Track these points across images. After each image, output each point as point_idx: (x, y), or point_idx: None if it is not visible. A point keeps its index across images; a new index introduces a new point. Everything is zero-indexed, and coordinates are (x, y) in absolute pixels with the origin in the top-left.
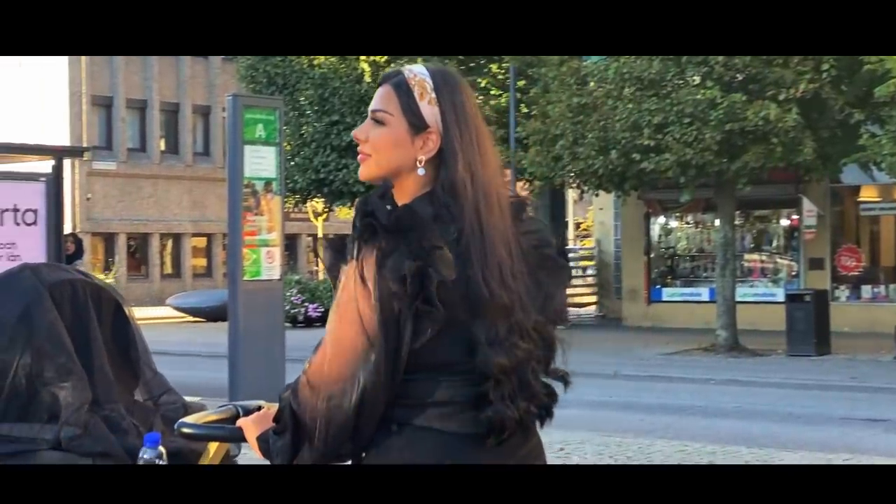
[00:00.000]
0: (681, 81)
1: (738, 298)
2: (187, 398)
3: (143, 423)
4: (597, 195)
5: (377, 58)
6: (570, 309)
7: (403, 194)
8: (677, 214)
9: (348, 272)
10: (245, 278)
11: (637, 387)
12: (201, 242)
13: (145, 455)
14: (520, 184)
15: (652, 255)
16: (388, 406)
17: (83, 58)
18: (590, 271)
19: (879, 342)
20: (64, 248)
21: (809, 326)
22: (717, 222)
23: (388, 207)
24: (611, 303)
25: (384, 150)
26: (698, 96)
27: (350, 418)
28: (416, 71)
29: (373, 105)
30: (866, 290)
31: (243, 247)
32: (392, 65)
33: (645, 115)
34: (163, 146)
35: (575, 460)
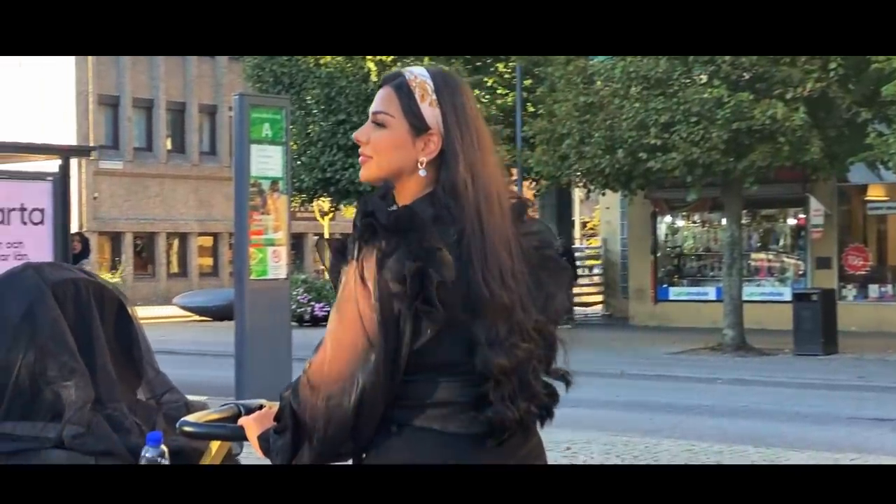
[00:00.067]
0: (687, 80)
1: (745, 297)
2: (190, 397)
3: (146, 421)
4: (603, 194)
5: (383, 57)
6: (577, 308)
7: (404, 195)
8: (684, 213)
9: (349, 272)
10: (251, 277)
11: (644, 386)
12: (208, 241)
13: (147, 454)
14: (526, 183)
15: (658, 255)
16: (388, 407)
17: (90, 57)
18: (596, 270)
19: (887, 341)
20: (70, 248)
21: (816, 326)
22: (724, 221)
23: (389, 208)
24: (617, 302)
25: (385, 151)
26: (705, 95)
27: (349, 418)
28: (417, 73)
29: (374, 107)
30: (873, 290)
31: (250, 246)
32: (398, 64)
33: (651, 114)
34: (169, 145)
35: (581, 460)
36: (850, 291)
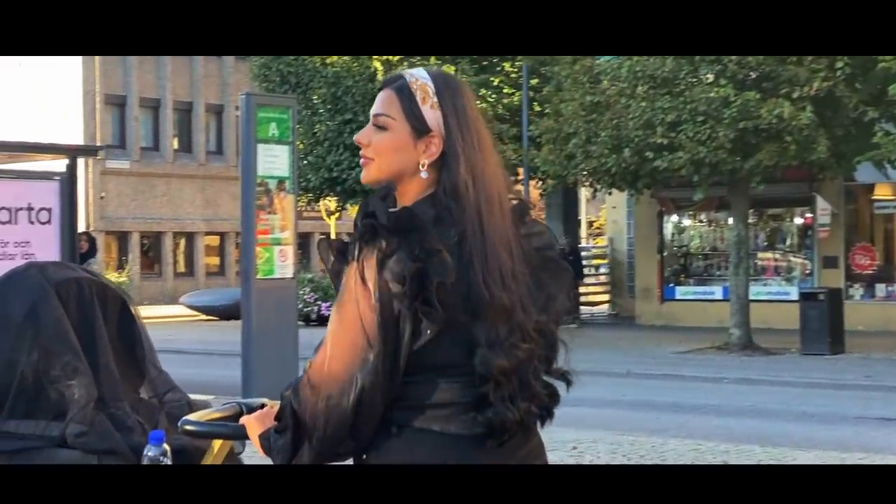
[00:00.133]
0: (694, 79)
1: (751, 297)
2: (193, 396)
3: (149, 420)
4: (610, 193)
5: (390, 57)
6: (583, 307)
7: (405, 197)
8: (690, 213)
9: (349, 273)
10: (258, 277)
11: (650, 385)
12: (214, 241)
13: (150, 452)
14: (532, 182)
15: (665, 254)
16: (388, 408)
17: (97, 57)
18: (602, 270)
19: (894, 341)
20: (77, 247)
21: (823, 325)
22: (731, 221)
23: (390, 209)
24: (624, 301)
25: (386, 154)
26: (712, 94)
27: (348, 417)
28: (418, 75)
29: (375, 109)
30: (880, 289)
31: (256, 245)
32: (405, 64)
33: (658, 113)
34: (176, 145)
35: (587, 459)
36: (857, 291)
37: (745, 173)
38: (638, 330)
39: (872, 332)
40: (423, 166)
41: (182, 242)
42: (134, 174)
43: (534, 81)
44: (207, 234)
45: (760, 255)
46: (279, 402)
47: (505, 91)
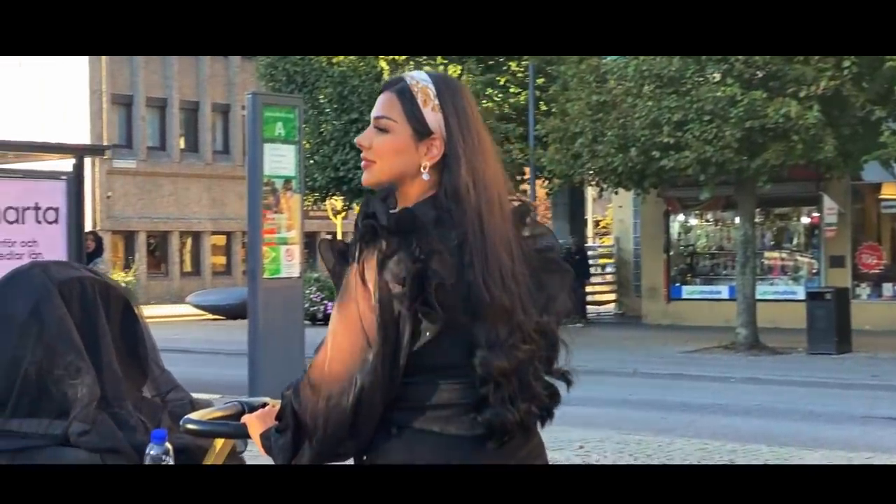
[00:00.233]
0: (701, 79)
1: (758, 296)
2: (196, 395)
3: (151, 419)
4: (616, 193)
5: (396, 56)
6: (590, 307)
7: (407, 198)
8: (697, 212)
9: (350, 274)
10: (265, 276)
11: (657, 385)
12: (221, 240)
13: (152, 451)
14: (539, 181)
15: (671, 253)
16: (388, 409)
17: (103, 57)
18: (609, 269)
19: None
20: (84, 246)
21: (830, 324)
22: (738, 220)
23: (390, 210)
24: (630, 301)
25: (388, 156)
26: (718, 93)
27: (348, 417)
28: (419, 78)
29: (376, 112)
30: (887, 288)
31: (263, 245)
32: (411, 63)
33: (665, 112)
34: (182, 144)
35: (594, 458)
36: (864, 290)
37: (751, 172)
38: (644, 329)
39: (879, 332)
40: (424, 168)
41: (188, 242)
42: (140, 174)
43: (540, 81)
44: (214, 233)
45: (767, 254)
46: (280, 401)
47: (511, 90)
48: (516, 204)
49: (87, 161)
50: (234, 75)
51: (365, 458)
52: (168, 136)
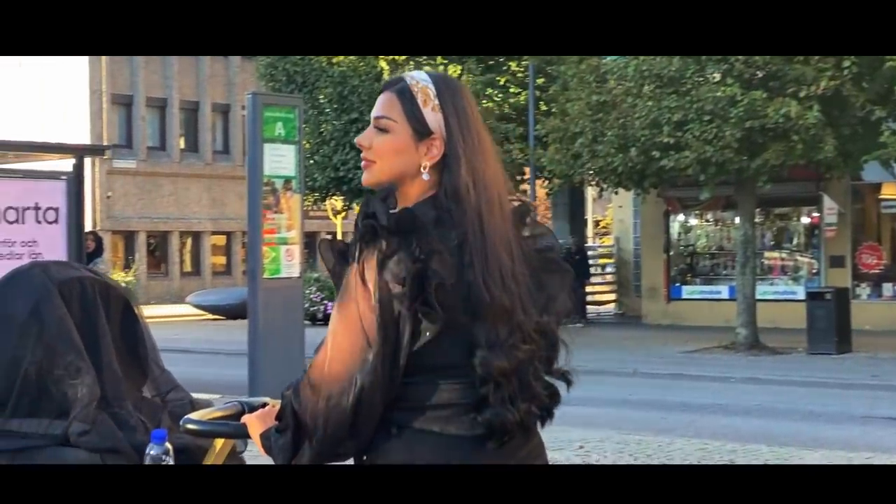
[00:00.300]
0: (701, 79)
1: (758, 296)
2: (196, 395)
3: (151, 419)
4: (616, 193)
5: (396, 56)
6: (590, 306)
7: (407, 198)
8: (697, 212)
9: (350, 274)
10: (265, 276)
11: (657, 385)
12: (221, 240)
13: (152, 451)
14: (539, 181)
15: (671, 253)
16: (388, 409)
17: (103, 57)
18: (609, 269)
19: None
20: (84, 246)
21: (830, 324)
22: (738, 220)
23: (390, 210)
24: (630, 301)
25: (388, 156)
26: (718, 93)
27: (348, 417)
28: (419, 78)
29: (376, 112)
30: (887, 288)
31: (263, 245)
32: (411, 63)
33: (665, 112)
34: (182, 144)
35: (594, 458)
36: (864, 290)
37: (751, 172)
38: (644, 329)
39: (879, 332)
40: (424, 168)
41: (188, 242)
42: (140, 174)
43: (540, 81)
44: (214, 233)
45: (767, 254)
46: (280, 401)
47: (511, 90)
48: (516, 204)
49: (87, 161)
50: (234, 75)
51: (365, 458)
52: (168, 136)
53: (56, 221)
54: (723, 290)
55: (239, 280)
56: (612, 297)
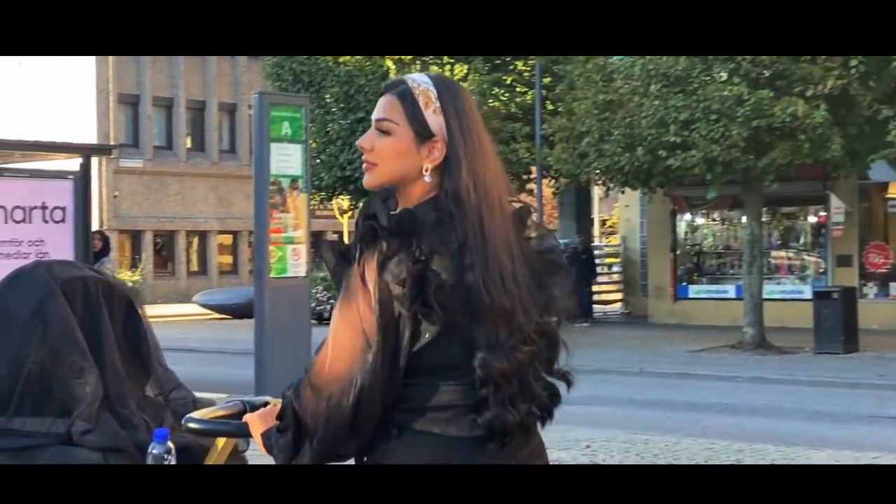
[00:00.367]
0: (707, 78)
1: (765, 296)
2: (202, 394)
3: (154, 418)
4: (623, 192)
5: (402, 56)
6: (596, 306)
7: (408, 200)
8: (704, 211)
9: (350, 275)
10: (271, 275)
11: (663, 384)
12: (227, 240)
13: (154, 450)
14: (545, 181)
15: (678, 253)
16: (388, 410)
17: (110, 57)
18: (615, 269)
19: None
20: (91, 246)
21: (837, 324)
22: (744, 219)
23: (391, 211)
24: (637, 300)
25: (390, 159)
26: (725, 93)
27: (348, 417)
28: (420, 80)
29: (377, 114)
30: (894, 287)
31: (269, 244)
32: (417, 62)
33: (671, 111)
34: (189, 144)
35: (601, 458)
36: (871, 289)
37: (758, 172)
38: (651, 329)
39: (886, 331)
40: (426, 171)
41: (195, 241)
42: (147, 173)
43: (546, 80)
44: (220, 232)
45: (774, 253)
46: (281, 400)
47: (518, 90)
48: (517, 206)
49: (94, 160)
50: (240, 75)
51: (366, 459)
52: (174, 136)
53: (63, 221)
54: (729, 290)
55: (245, 279)
56: (619, 296)
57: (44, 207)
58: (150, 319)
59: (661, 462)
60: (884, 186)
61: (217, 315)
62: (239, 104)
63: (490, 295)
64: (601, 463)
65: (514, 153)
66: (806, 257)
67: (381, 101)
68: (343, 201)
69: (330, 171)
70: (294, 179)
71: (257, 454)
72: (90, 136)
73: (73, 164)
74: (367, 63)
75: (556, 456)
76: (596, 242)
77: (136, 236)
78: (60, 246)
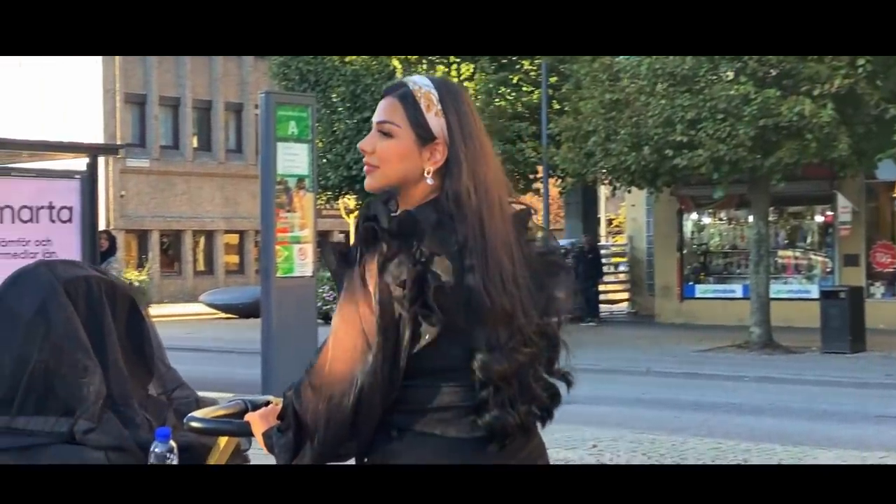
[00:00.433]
0: (714, 77)
1: (772, 295)
2: (207, 393)
3: (157, 417)
4: (629, 191)
5: (409, 55)
6: (603, 305)
7: (408, 202)
8: (710, 211)
9: (351, 276)
10: (278, 275)
11: (670, 384)
12: (234, 239)
13: (156, 449)
14: (552, 180)
15: (685, 252)
16: (388, 412)
17: (117, 57)
18: (622, 268)
19: None
20: (98, 245)
21: (844, 323)
22: (751, 218)
23: (392, 213)
24: (643, 299)
25: (392, 161)
26: (732, 92)
27: (348, 418)
28: (421, 83)
29: (378, 117)
30: None
31: (276, 244)
32: (424, 62)
33: (678, 110)
34: (195, 143)
35: (607, 457)
36: (878, 289)
37: (765, 171)
38: (657, 328)
39: (894, 331)
40: (428, 173)
41: (202, 241)
42: (154, 173)
43: (553, 79)
44: (227, 232)
45: (781, 253)
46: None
47: (524, 89)
48: (517, 208)
49: (101, 160)
50: (246, 74)
51: (366, 460)
52: (181, 135)
53: (70, 220)
54: (736, 289)
55: (252, 279)
56: (625, 295)
57: (51, 207)
58: (157, 319)
59: (668, 462)
60: (891, 186)
61: (223, 315)
62: (245, 104)
63: (490, 297)
64: (608, 462)
65: (521, 152)
66: (813, 257)
67: (383, 104)
68: (349, 201)
69: (336, 170)
70: (300, 179)
71: (260, 453)
72: (97, 136)
73: (80, 163)
74: (374, 63)
75: (562, 455)
76: (602, 242)
77: (142, 236)
78: (67, 245)
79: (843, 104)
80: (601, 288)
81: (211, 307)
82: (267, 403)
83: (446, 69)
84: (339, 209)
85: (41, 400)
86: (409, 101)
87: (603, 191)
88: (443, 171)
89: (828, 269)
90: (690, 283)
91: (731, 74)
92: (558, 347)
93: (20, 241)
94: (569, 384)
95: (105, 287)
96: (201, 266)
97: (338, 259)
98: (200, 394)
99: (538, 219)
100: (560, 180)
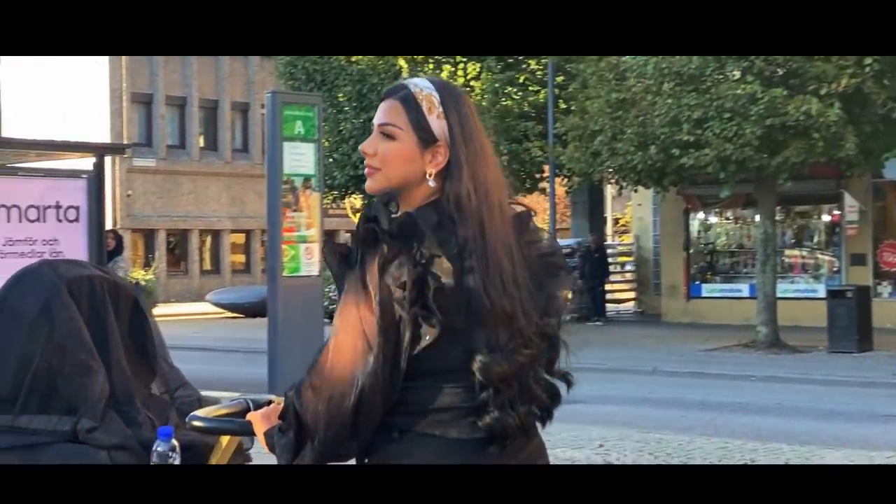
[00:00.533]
0: (721, 76)
1: (778, 294)
2: (212, 393)
3: (159, 416)
4: (636, 191)
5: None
6: (609, 305)
7: (409, 203)
8: (717, 210)
9: (351, 277)
10: (284, 274)
11: (677, 383)
12: (240, 239)
13: (158, 448)
14: (558, 180)
15: (691, 251)
16: (389, 413)
17: (123, 56)
18: (629, 267)
19: None
20: (105, 245)
21: (851, 323)
22: (758, 218)
23: (392, 215)
24: (650, 299)
25: (394, 163)
26: (738, 91)
27: (348, 418)
28: (422, 85)
29: (380, 119)
30: None
31: (282, 243)
32: (430, 62)
33: (684, 110)
34: (202, 143)
35: (614, 457)
36: (885, 288)
37: (772, 170)
38: (664, 327)
39: None
40: (430, 176)
41: (208, 240)
42: (160, 172)
43: (559, 79)
44: (233, 231)
45: (787, 252)
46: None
47: (530, 88)
48: (517, 210)
49: (108, 160)
50: (253, 74)
51: (367, 460)
52: (187, 135)
53: (77, 220)
54: (743, 289)
55: (258, 278)
56: (632, 295)
57: (58, 206)
58: (163, 318)
59: (675, 461)
60: None
61: (230, 314)
62: (252, 103)
63: (490, 298)
64: (614, 462)
65: (527, 152)
66: (820, 256)
67: (384, 106)
68: (356, 200)
69: (343, 169)
70: (307, 178)
71: (262, 453)
72: (103, 136)
73: (87, 163)
74: (380, 62)
75: (568, 455)
76: (609, 241)
77: (149, 235)
78: (74, 245)
79: (850, 103)
80: (607, 287)
81: (217, 306)
82: (269, 403)
83: (453, 69)
84: (345, 208)
85: (44, 399)
86: (410, 104)
87: (609, 190)
88: (443, 173)
89: (835, 269)
90: (697, 283)
91: (737, 74)
92: (558, 348)
93: (27, 241)
94: (569, 384)
95: (108, 286)
96: (208, 265)
97: (338, 260)
98: (205, 393)
99: (542, 219)
100: (566, 179)
